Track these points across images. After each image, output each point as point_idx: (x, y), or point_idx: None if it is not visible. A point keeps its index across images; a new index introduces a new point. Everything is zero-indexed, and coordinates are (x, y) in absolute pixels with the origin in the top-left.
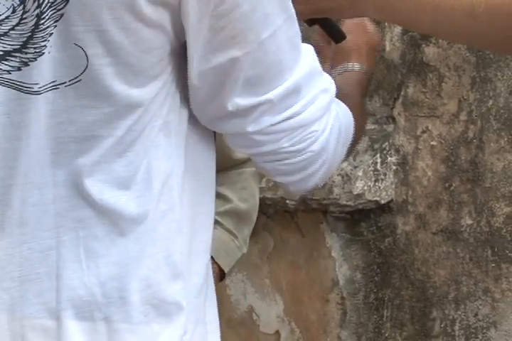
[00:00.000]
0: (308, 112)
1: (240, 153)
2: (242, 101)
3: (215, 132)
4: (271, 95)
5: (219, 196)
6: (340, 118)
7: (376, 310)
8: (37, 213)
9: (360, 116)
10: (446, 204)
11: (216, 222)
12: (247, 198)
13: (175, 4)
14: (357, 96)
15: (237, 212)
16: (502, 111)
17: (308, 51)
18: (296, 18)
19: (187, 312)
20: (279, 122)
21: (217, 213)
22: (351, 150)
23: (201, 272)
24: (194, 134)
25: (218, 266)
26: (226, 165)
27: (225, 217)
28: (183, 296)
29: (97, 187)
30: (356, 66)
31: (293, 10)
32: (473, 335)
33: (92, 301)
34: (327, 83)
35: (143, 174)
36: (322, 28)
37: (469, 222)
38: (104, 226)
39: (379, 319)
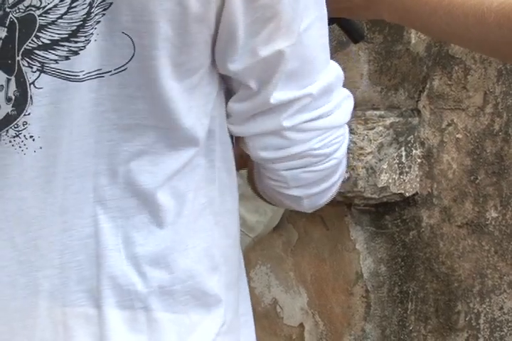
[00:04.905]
0: (337, 114)
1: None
2: (284, 94)
3: None
4: (312, 89)
5: None
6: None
7: (400, 303)
8: (77, 201)
9: None
10: (472, 197)
11: None
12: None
13: None
14: None
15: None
16: None
17: (332, 61)
18: (326, 21)
19: (225, 304)
20: (313, 119)
21: None
22: None
23: (235, 265)
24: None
25: None
26: None
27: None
28: (220, 288)
29: (141, 177)
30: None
31: (325, 11)
32: (498, 328)
33: (132, 290)
34: (348, 92)
35: (187, 167)
36: (340, 27)
37: (494, 215)
38: (143, 216)
39: (403, 312)
